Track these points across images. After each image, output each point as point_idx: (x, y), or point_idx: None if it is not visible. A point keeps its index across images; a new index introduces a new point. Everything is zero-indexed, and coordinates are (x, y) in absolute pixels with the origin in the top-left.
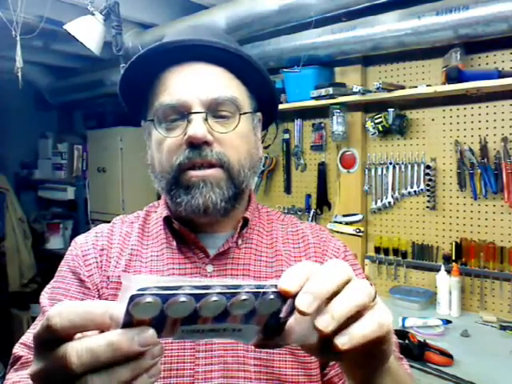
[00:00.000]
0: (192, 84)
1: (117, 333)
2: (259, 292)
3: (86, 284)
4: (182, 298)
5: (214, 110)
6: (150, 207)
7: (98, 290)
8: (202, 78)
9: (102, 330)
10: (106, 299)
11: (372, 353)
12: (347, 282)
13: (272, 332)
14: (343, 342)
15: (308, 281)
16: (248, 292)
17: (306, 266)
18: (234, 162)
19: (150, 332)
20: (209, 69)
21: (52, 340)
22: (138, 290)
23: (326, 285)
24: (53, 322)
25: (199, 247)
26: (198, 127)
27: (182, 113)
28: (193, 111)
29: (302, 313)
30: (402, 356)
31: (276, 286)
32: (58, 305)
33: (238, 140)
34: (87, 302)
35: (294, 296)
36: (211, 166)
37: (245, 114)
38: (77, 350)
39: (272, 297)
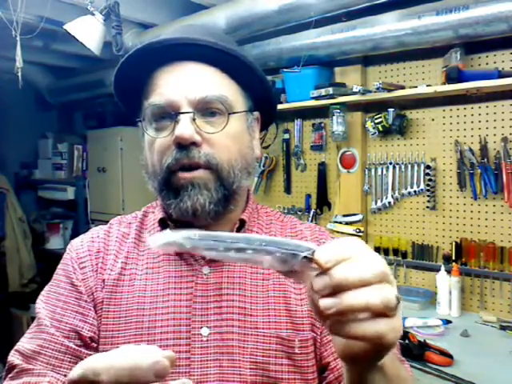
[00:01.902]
0: (181, 84)
1: None
2: (295, 254)
3: (79, 288)
4: (221, 248)
5: (203, 109)
6: (148, 207)
7: (93, 294)
8: (190, 77)
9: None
10: (101, 303)
11: (360, 355)
12: (378, 282)
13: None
14: (334, 328)
15: (343, 263)
16: (284, 252)
17: (347, 247)
18: (224, 162)
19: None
20: (199, 68)
21: None
22: (184, 238)
23: (355, 280)
24: (100, 379)
25: None
26: (184, 127)
27: (170, 113)
28: (181, 111)
29: (323, 308)
30: (403, 358)
31: (313, 252)
32: (103, 358)
33: (228, 140)
34: (135, 359)
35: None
36: (199, 167)
37: (234, 113)
38: None
39: (305, 260)
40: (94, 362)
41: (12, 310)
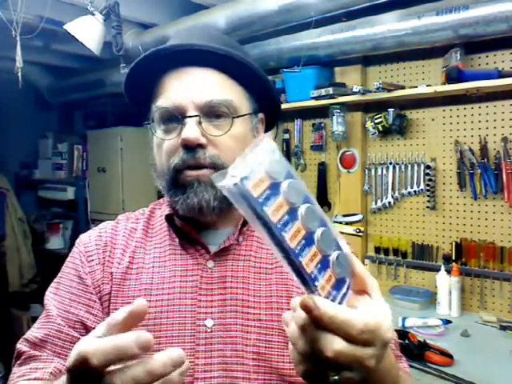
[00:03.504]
0: (187, 88)
1: (152, 361)
2: (307, 286)
3: (85, 281)
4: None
5: (209, 112)
6: (156, 204)
7: (99, 286)
8: (196, 82)
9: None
10: (108, 294)
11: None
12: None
13: None
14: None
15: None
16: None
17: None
18: (229, 163)
19: (180, 352)
20: (204, 73)
21: (91, 373)
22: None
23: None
24: (91, 362)
25: (200, 244)
26: (191, 130)
27: (177, 116)
28: (187, 115)
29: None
30: (400, 354)
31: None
32: (89, 342)
33: (233, 142)
34: (118, 337)
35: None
36: (205, 167)
37: (238, 117)
38: (122, 380)
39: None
40: (82, 347)
41: (12, 310)
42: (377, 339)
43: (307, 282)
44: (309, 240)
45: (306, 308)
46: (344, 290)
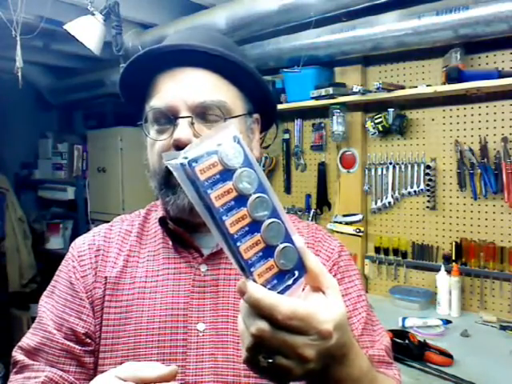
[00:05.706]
0: (180, 89)
1: None
2: (244, 271)
3: (75, 287)
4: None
5: (202, 114)
6: (152, 206)
7: (91, 291)
8: (189, 82)
9: None
10: (101, 298)
11: None
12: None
13: None
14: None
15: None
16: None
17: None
18: None
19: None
20: (197, 73)
21: None
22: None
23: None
24: None
25: (194, 247)
26: (183, 131)
27: (169, 117)
28: (179, 115)
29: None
30: (391, 361)
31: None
32: None
33: None
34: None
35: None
36: None
37: (231, 118)
38: None
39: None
40: None
41: (12, 310)
42: (310, 329)
43: (243, 267)
44: (253, 228)
45: (240, 291)
46: (289, 281)
